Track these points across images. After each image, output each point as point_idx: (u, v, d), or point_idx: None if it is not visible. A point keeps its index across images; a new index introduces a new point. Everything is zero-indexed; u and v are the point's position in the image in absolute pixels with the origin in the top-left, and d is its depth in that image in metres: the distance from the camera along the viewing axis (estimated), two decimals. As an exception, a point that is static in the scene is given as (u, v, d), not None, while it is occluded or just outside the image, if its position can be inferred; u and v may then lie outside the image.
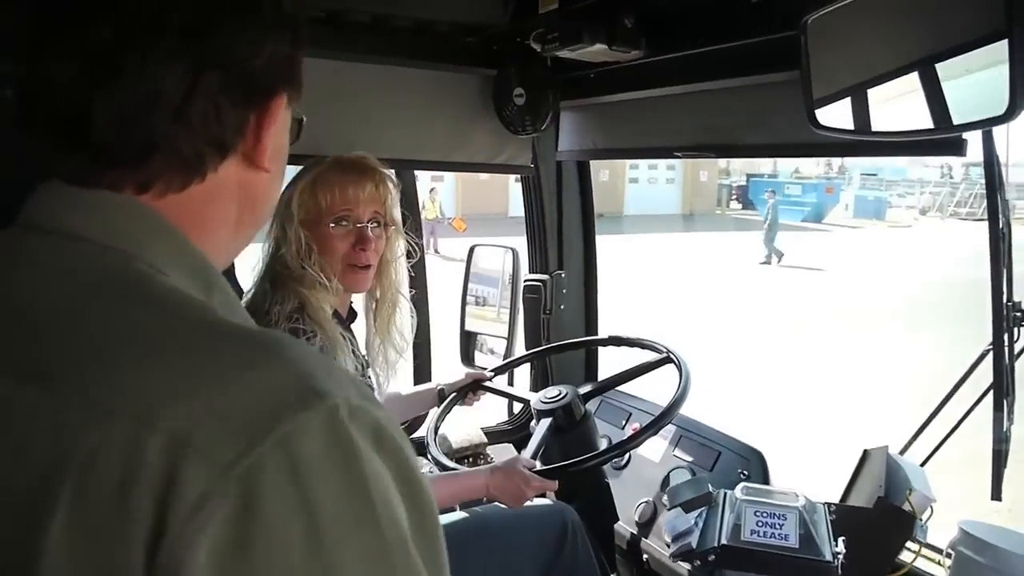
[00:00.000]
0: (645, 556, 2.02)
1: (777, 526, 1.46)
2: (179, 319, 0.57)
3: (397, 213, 1.78)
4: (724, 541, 1.48)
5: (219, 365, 0.54)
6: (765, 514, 1.48)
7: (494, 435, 2.57)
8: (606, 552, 2.04)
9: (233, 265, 1.53)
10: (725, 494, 1.64)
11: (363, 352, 1.79)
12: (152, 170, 0.61)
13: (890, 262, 17.66)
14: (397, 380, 1.92)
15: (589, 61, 1.97)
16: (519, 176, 2.57)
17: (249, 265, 1.68)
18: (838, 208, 29.03)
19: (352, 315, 1.81)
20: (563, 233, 2.59)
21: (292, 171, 1.73)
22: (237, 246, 0.72)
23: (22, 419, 0.53)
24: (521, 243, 2.56)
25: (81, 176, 0.61)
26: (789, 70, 1.54)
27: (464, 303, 2.58)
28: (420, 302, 2.43)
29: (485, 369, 2.30)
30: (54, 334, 0.56)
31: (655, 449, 2.16)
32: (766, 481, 1.94)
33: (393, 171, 1.79)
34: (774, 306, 12.09)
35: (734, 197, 31.89)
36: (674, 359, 1.97)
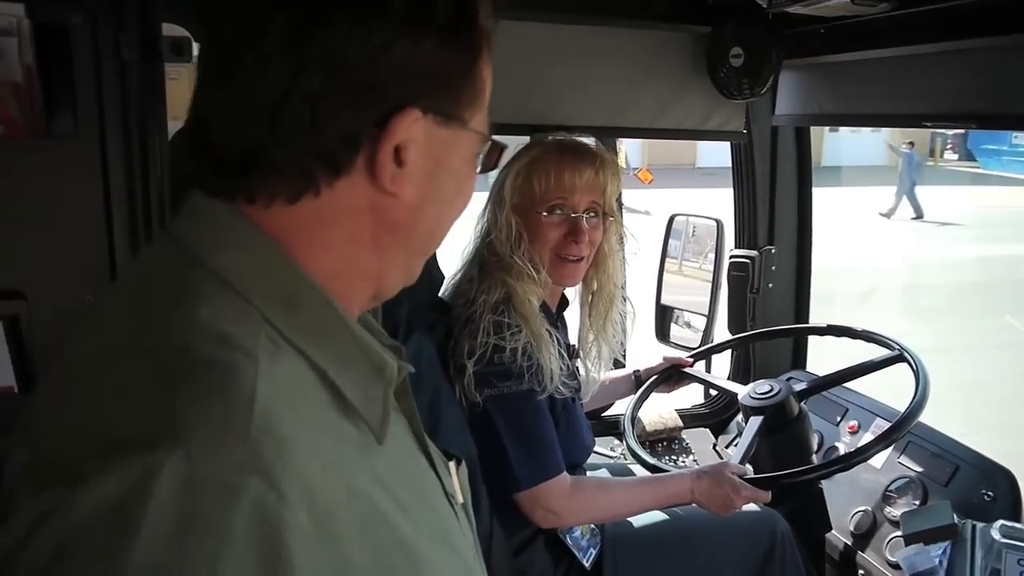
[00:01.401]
0: (861, 572, 1.83)
1: (1048, 580, 1.23)
2: (138, 336, 0.53)
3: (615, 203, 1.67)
4: (979, 591, 1.27)
5: (107, 388, 0.50)
6: (1033, 564, 1.25)
7: (689, 419, 2.44)
8: (816, 563, 1.86)
9: (435, 254, 1.48)
10: (975, 528, 1.41)
11: (574, 343, 1.71)
12: (255, 181, 0.57)
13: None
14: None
15: (821, 15, 1.73)
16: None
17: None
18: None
19: (564, 304, 1.73)
20: (775, 205, 2.36)
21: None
22: (388, 265, 0.64)
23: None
24: (709, 196, 2.37)
25: (206, 182, 0.59)
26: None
27: (661, 276, 2.44)
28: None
29: (684, 351, 2.16)
30: (83, 340, 0.58)
31: (878, 454, 1.93)
32: (1017, 507, 1.68)
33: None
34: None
35: (950, 146, 28.89)
36: (908, 358, 1.74)
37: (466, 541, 0.73)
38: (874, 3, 1.59)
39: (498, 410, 1.50)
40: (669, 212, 2.47)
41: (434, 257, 1.50)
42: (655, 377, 2.01)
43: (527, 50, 1.91)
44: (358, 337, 0.61)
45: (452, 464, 0.78)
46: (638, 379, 2.02)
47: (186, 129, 0.60)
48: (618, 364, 2.24)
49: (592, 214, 1.62)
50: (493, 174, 1.63)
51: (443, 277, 1.62)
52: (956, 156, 28.05)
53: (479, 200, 1.58)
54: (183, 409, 0.47)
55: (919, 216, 15.77)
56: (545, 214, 1.59)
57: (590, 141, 1.74)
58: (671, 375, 2.03)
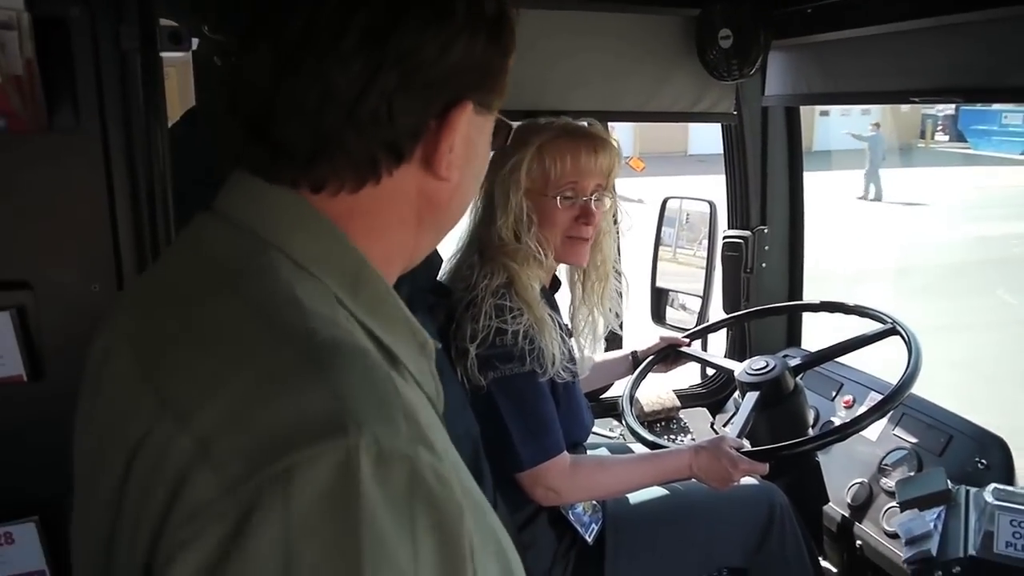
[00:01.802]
0: (859, 542, 1.86)
1: (1039, 539, 1.26)
2: (258, 318, 0.56)
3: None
4: (972, 552, 1.30)
5: (261, 374, 0.52)
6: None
7: (687, 398, 2.46)
8: (814, 536, 1.89)
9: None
10: (968, 492, 1.44)
11: (567, 323, 1.73)
12: (324, 170, 0.61)
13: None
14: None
15: (809, -5, 1.75)
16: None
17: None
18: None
19: (556, 284, 1.75)
20: (767, 185, 2.39)
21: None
22: (421, 244, 0.70)
23: (124, 393, 0.59)
24: (702, 182, 2.39)
25: (264, 169, 0.62)
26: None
27: (656, 259, 2.46)
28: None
29: (680, 332, 2.19)
30: (172, 313, 0.60)
31: (872, 426, 1.96)
32: (1010, 474, 1.71)
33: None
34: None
35: (940, 128, 28.89)
36: (901, 331, 1.77)
37: None
38: (860, -19, 1.61)
39: (500, 392, 1.52)
40: (662, 200, 2.49)
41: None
42: (652, 357, 2.04)
43: (518, 36, 1.92)
44: (407, 315, 0.65)
45: None
46: (635, 360, 2.04)
47: (240, 114, 0.62)
48: (615, 344, 2.27)
49: (597, 197, 1.65)
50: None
51: (441, 260, 1.64)
52: (947, 137, 28.08)
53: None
54: (352, 393, 0.50)
55: (878, 198, 15.92)
56: (558, 198, 1.61)
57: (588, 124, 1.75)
58: (668, 355, 2.05)
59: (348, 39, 0.57)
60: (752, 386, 1.81)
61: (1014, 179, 17.81)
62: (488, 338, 1.51)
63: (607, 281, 1.76)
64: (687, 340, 2.09)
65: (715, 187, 2.58)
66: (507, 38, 0.65)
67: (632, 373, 2.01)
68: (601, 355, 2.07)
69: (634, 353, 2.06)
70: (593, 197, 1.64)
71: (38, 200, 1.11)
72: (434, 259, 1.58)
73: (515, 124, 0.75)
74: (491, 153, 0.73)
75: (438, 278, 1.66)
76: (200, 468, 0.49)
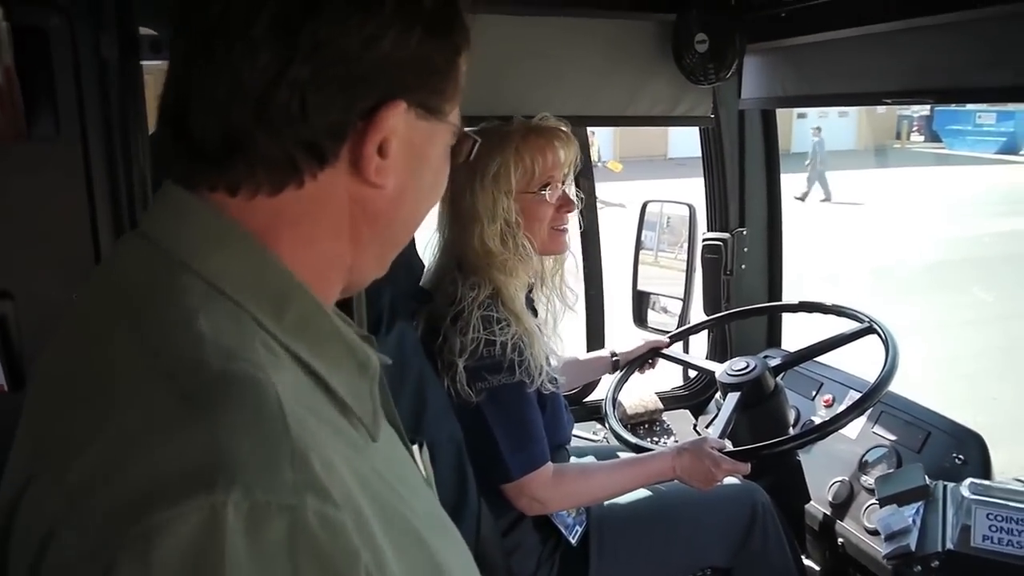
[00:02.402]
0: (840, 540, 1.88)
1: (1015, 532, 1.28)
2: (146, 356, 0.51)
3: None
4: (950, 546, 1.32)
5: (135, 423, 0.48)
6: (1000, 517, 1.30)
7: (669, 401, 2.48)
8: (797, 534, 1.91)
9: (414, 243, 1.51)
10: (946, 488, 1.46)
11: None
12: (239, 169, 0.56)
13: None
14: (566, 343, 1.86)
15: (783, -1, 1.78)
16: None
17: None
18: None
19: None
20: (745, 188, 2.42)
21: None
22: (362, 261, 0.64)
23: (20, 438, 0.57)
24: (682, 185, 2.42)
25: (183, 173, 0.58)
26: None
27: (636, 262, 2.48)
28: (593, 252, 2.37)
29: (662, 335, 2.21)
30: (75, 350, 0.57)
31: (852, 425, 1.97)
32: (987, 470, 1.73)
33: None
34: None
35: (915, 129, 29.25)
36: (878, 330, 1.79)
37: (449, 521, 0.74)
38: (833, -16, 1.63)
39: (489, 402, 1.53)
40: (642, 203, 2.51)
41: (413, 246, 1.52)
42: (635, 360, 2.05)
43: (498, 42, 1.94)
44: (342, 334, 0.60)
45: (415, 448, 0.80)
46: (615, 362, 2.06)
47: (162, 111, 0.58)
48: (597, 344, 2.29)
49: (567, 185, 1.71)
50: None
51: (423, 266, 1.65)
52: (922, 138, 28.43)
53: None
54: (227, 439, 0.46)
55: (827, 199, 16.11)
56: (546, 192, 1.64)
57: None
58: (650, 357, 2.07)
59: (258, 26, 0.53)
60: (733, 387, 1.82)
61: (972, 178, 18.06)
62: (477, 350, 1.52)
63: (562, 265, 1.79)
64: (668, 341, 2.11)
65: (696, 190, 2.60)
66: (454, 35, 0.60)
67: (610, 372, 2.03)
68: (584, 354, 2.09)
69: (614, 354, 2.07)
70: (565, 185, 1.70)
71: (18, 209, 1.11)
72: (415, 264, 1.59)
73: (478, 140, 0.70)
74: (448, 166, 0.67)
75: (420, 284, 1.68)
76: (67, 528, 0.46)
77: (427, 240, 1.70)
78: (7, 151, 1.08)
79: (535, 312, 1.71)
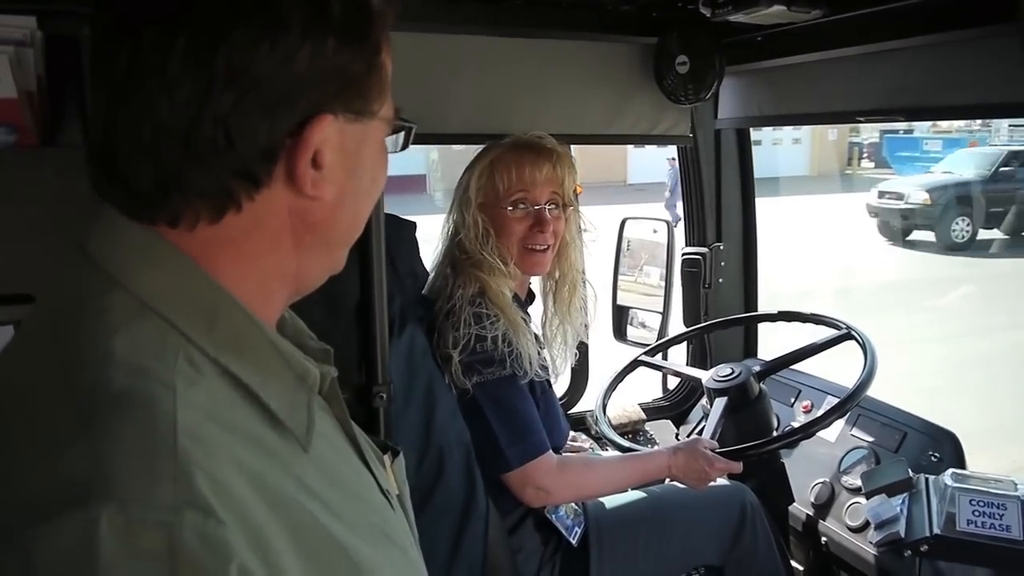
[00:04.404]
0: (824, 539, 1.95)
1: (996, 516, 1.37)
2: (59, 372, 0.53)
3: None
4: (937, 531, 1.40)
5: (30, 440, 0.49)
6: (982, 503, 1.39)
7: (652, 411, 2.55)
8: (782, 534, 1.97)
9: (418, 246, 1.56)
10: (927, 479, 1.54)
11: (538, 332, 1.79)
12: (176, 204, 0.56)
13: None
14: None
15: (760, 24, 1.87)
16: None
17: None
18: (987, 164, 26.61)
19: (531, 297, 1.81)
20: (722, 204, 2.51)
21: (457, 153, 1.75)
22: (307, 266, 0.64)
23: None
24: (642, 210, 2.47)
25: (123, 210, 0.58)
26: (1002, 22, 1.42)
27: (616, 277, 2.54)
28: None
29: (640, 348, 2.27)
30: (9, 365, 0.57)
31: (831, 428, 2.06)
32: (962, 464, 1.82)
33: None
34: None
35: (866, 155, 30.09)
36: (856, 336, 1.87)
37: (403, 531, 0.74)
38: (808, 10, 1.72)
39: (484, 395, 1.58)
40: (606, 228, 2.56)
41: (418, 255, 1.58)
42: (622, 369, 2.11)
43: (484, 63, 2.01)
44: (278, 346, 0.61)
45: (387, 457, 0.80)
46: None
47: (91, 147, 0.58)
48: (582, 356, 2.34)
49: (553, 205, 1.72)
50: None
51: (427, 274, 1.70)
52: (872, 164, 29.22)
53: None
54: (108, 455, 0.47)
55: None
56: (510, 209, 1.68)
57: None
58: (636, 367, 2.13)
59: (172, 65, 0.53)
60: (720, 392, 1.89)
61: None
62: (469, 344, 1.57)
63: (575, 292, 1.83)
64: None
65: (656, 213, 2.65)
66: (371, 37, 0.60)
67: None
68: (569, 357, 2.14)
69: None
70: (547, 206, 1.70)
71: (44, 214, 1.13)
72: (420, 272, 1.63)
73: (413, 125, 0.70)
74: (387, 158, 0.67)
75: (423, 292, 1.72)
76: None
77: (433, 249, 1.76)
78: (36, 155, 1.11)
79: (526, 315, 1.75)
